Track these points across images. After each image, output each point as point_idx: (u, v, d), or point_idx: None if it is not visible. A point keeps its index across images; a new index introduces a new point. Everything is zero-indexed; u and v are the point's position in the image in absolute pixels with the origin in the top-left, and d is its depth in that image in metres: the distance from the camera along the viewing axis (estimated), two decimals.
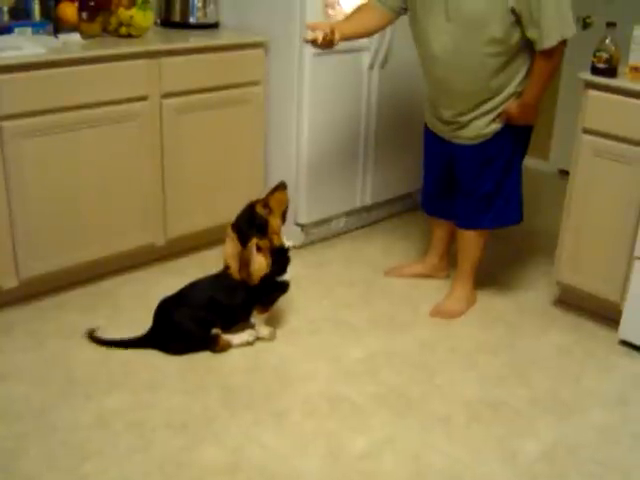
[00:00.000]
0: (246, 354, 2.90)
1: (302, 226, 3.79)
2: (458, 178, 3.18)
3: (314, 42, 2.90)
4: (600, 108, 3.01)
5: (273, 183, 3.71)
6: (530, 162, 5.24)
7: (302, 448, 2.41)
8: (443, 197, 3.33)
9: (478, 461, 2.40)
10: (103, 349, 2.87)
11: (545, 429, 2.57)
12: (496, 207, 3.16)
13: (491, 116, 2.99)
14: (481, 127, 3.01)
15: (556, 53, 2.84)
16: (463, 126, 3.04)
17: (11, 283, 3.06)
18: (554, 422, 2.61)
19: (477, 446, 2.46)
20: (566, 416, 2.64)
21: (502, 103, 2.96)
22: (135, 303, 3.21)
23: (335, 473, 2.31)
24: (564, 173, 4.73)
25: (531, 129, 3.17)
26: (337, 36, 2.89)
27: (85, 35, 3.22)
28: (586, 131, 3.06)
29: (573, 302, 3.35)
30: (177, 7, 3.63)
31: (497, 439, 2.50)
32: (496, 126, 3.01)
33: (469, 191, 3.16)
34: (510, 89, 2.95)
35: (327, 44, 2.91)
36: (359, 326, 3.15)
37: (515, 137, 3.07)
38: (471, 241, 3.26)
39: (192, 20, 3.65)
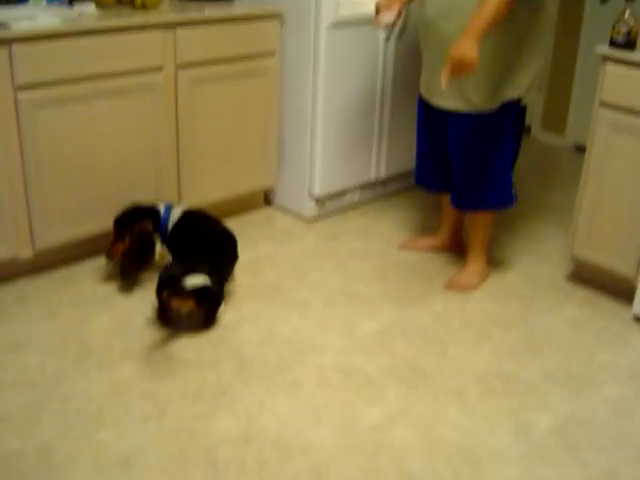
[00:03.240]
0: (259, 326, 2.91)
1: (316, 199, 3.78)
2: (449, 155, 3.16)
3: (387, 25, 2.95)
4: (618, 82, 2.98)
5: (288, 155, 3.73)
6: (546, 137, 5.24)
7: (315, 418, 2.42)
8: (436, 169, 3.31)
9: (490, 434, 2.40)
10: (117, 319, 2.89)
11: (558, 403, 2.56)
12: (486, 189, 3.14)
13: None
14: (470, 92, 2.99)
15: None
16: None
17: (26, 254, 3.07)
18: (567, 396, 2.60)
19: (490, 419, 2.47)
20: (579, 390, 2.64)
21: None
22: (149, 272, 3.22)
23: (348, 443, 2.32)
24: (580, 148, 4.70)
25: (523, 111, 3.14)
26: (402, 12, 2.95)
27: (100, 6, 3.21)
28: (603, 105, 3.03)
29: (587, 277, 3.34)
30: None
31: (510, 412, 2.50)
32: (481, 97, 2.98)
33: (459, 169, 3.15)
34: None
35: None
36: (373, 299, 3.15)
37: (505, 117, 3.03)
38: (478, 217, 3.25)
39: None
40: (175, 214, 3.11)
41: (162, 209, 3.13)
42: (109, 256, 3.11)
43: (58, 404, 2.45)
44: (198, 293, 2.72)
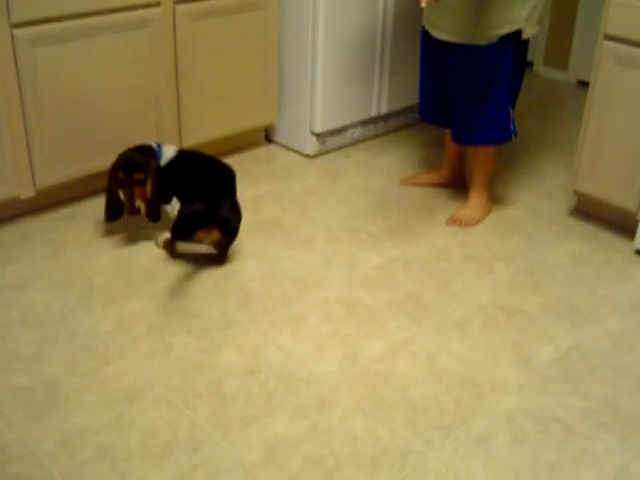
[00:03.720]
0: (263, 261, 2.92)
1: (317, 135, 3.76)
2: (448, 88, 3.14)
3: None
4: (623, 13, 2.93)
5: (288, 91, 3.68)
6: (549, 72, 5.18)
7: (319, 351, 2.45)
8: (438, 103, 3.29)
9: (492, 364, 2.43)
10: (121, 257, 2.90)
11: (559, 335, 2.59)
12: (484, 123, 3.12)
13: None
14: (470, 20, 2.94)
15: None
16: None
17: (28, 193, 3.07)
18: (569, 328, 2.63)
19: (492, 350, 2.49)
20: (581, 323, 2.66)
21: None
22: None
23: (352, 374, 2.35)
24: (583, 84, 4.66)
25: (525, 45, 3.10)
26: None
27: None
28: (608, 37, 2.99)
29: (590, 212, 3.34)
30: None
31: (512, 344, 2.53)
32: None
33: (458, 102, 3.13)
34: None
35: None
36: (375, 234, 3.15)
37: (504, 50, 2.99)
38: (479, 152, 3.24)
39: None
40: (168, 152, 2.98)
41: (154, 146, 3.00)
42: (132, 211, 2.93)
43: (64, 340, 2.47)
44: (223, 225, 2.82)
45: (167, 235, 2.92)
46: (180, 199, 2.87)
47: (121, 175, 2.85)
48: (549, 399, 2.29)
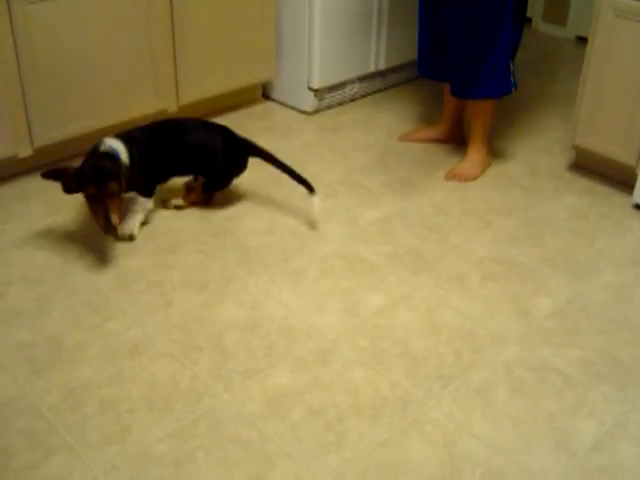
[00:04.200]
0: (262, 217, 2.92)
1: (315, 91, 3.74)
2: (447, 41, 3.12)
3: None
4: None
5: (286, 47, 3.65)
6: (547, 28, 5.14)
7: (319, 305, 2.47)
8: (437, 58, 3.27)
9: (491, 317, 2.44)
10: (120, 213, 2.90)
11: (558, 288, 2.60)
12: (484, 76, 3.10)
13: None
14: None
15: None
16: None
17: (26, 152, 3.06)
18: (567, 281, 2.64)
19: (491, 303, 2.51)
20: (579, 276, 2.67)
21: None
22: None
23: (352, 328, 2.37)
24: (582, 40, 4.63)
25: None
26: None
27: None
28: None
29: (588, 166, 3.34)
30: None
31: (510, 296, 2.54)
32: None
33: (455, 54, 3.11)
34: None
35: None
36: (374, 189, 3.15)
37: (505, 2, 2.97)
38: (478, 106, 3.23)
39: None
40: (118, 146, 2.65)
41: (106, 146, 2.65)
42: (107, 228, 2.65)
43: (65, 297, 2.48)
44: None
45: (179, 201, 2.98)
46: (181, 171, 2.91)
47: (92, 189, 2.50)
48: (548, 350, 2.31)
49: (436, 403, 2.09)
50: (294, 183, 2.83)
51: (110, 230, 2.68)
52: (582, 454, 1.96)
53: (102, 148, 2.62)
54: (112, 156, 2.59)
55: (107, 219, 2.51)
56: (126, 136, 2.72)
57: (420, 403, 2.09)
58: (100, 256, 2.67)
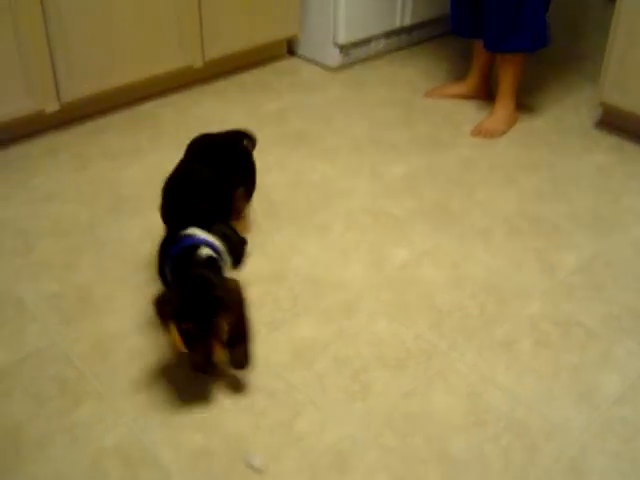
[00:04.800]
0: (287, 172, 2.93)
1: (341, 47, 3.72)
2: None
3: None
4: None
5: (312, 2, 3.60)
6: None
7: (345, 258, 2.48)
8: (470, 15, 3.23)
9: (516, 271, 2.45)
10: (148, 169, 2.92)
11: (583, 243, 2.59)
12: (519, 30, 3.07)
13: None
14: None
15: None
16: None
17: (53, 107, 3.08)
18: (592, 237, 2.63)
19: (516, 258, 2.51)
20: (605, 232, 2.66)
21: None
22: (176, 124, 3.23)
23: (377, 280, 2.39)
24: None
25: None
26: None
27: None
28: None
29: (616, 124, 3.30)
30: None
31: (535, 251, 2.54)
32: None
33: (491, 6, 3.07)
34: None
35: None
36: (400, 145, 3.15)
37: None
38: (509, 61, 3.20)
39: None
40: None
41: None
42: (212, 371, 2.01)
43: (94, 249, 2.51)
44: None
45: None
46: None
47: (190, 328, 1.77)
48: (572, 305, 2.32)
49: (460, 355, 2.11)
50: (320, 138, 2.82)
51: (209, 372, 2.00)
52: (605, 407, 1.97)
53: (199, 254, 1.86)
54: (215, 266, 1.87)
55: (208, 363, 1.93)
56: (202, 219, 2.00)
57: (444, 355, 2.11)
58: (128, 209, 2.70)
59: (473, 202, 2.79)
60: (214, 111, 3.30)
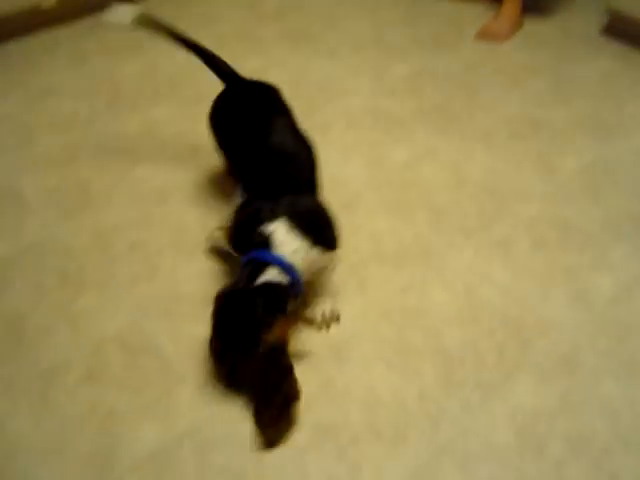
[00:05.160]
0: (287, 70, 2.88)
1: None
2: None
3: None
4: None
5: None
6: None
7: (345, 156, 2.47)
8: None
9: (516, 173, 2.44)
10: (147, 65, 2.88)
11: (584, 148, 2.58)
12: None
13: None
14: None
15: None
16: None
17: (49, 2, 3.02)
18: (593, 142, 2.62)
19: (516, 160, 2.50)
20: (606, 138, 2.65)
21: None
22: (175, 20, 3.16)
23: (377, 179, 2.38)
24: None
25: None
26: None
27: None
28: None
29: (622, 31, 3.24)
30: None
31: (536, 154, 2.53)
32: None
33: None
34: None
35: None
36: (403, 45, 3.10)
37: None
38: None
39: None
40: (293, 251, 1.71)
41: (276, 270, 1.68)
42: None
43: (93, 144, 2.50)
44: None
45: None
46: None
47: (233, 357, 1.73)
48: (570, 208, 2.32)
49: (458, 254, 2.13)
50: (322, 37, 2.78)
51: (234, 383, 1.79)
52: (599, 307, 2.00)
53: (261, 278, 1.66)
54: (271, 296, 1.66)
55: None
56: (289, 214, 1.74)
57: (442, 253, 2.13)
58: (128, 104, 2.67)
59: (475, 105, 2.76)
60: (211, 6, 3.23)
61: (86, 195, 2.30)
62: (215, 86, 2.75)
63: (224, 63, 2.12)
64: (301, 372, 1.79)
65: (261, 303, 1.61)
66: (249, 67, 2.87)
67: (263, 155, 1.85)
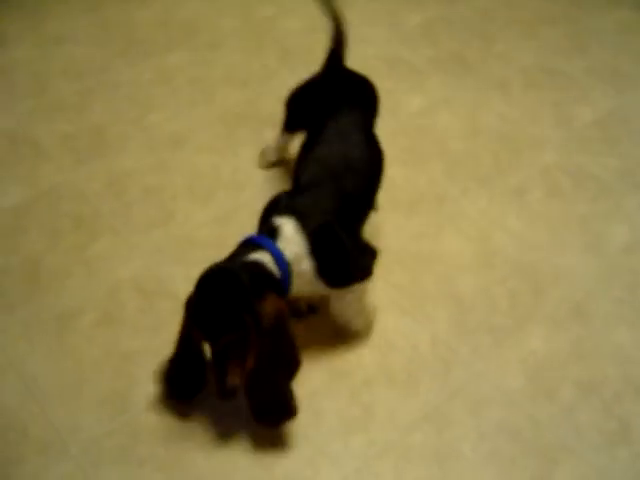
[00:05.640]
0: (301, 16, 2.86)
1: None
2: None
3: None
4: None
5: None
6: None
7: None
8: None
9: (531, 123, 2.43)
10: (161, 11, 2.86)
11: (600, 98, 2.56)
12: None
13: None
14: None
15: None
16: None
17: None
18: (610, 93, 2.59)
19: (532, 109, 2.48)
20: (623, 89, 2.62)
21: None
22: None
23: (392, 126, 2.38)
24: None
25: None
26: None
27: None
28: None
29: None
30: None
31: (552, 104, 2.51)
32: None
33: None
34: None
35: None
36: None
37: None
38: None
39: None
40: (291, 239, 1.57)
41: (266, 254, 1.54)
42: (224, 392, 1.51)
43: (107, 91, 2.50)
44: None
45: None
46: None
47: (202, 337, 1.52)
48: (586, 157, 2.31)
49: (472, 201, 2.13)
50: None
51: (226, 396, 1.52)
52: (613, 255, 2.00)
53: (251, 257, 1.52)
54: (258, 268, 1.51)
55: (224, 383, 1.51)
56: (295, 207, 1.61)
57: (456, 200, 2.13)
58: (142, 51, 2.66)
59: (491, 53, 2.74)
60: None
61: (100, 141, 2.30)
62: (230, 33, 2.75)
63: (341, 47, 2.07)
64: (315, 318, 1.81)
65: (247, 277, 1.45)
66: (261, 14, 2.85)
67: (314, 154, 1.72)
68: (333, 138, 1.74)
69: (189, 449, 1.58)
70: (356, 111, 1.84)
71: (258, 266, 1.49)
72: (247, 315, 1.43)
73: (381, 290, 1.87)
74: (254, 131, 2.33)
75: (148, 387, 1.68)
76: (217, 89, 2.49)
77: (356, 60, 2.63)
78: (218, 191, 2.12)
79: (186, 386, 1.64)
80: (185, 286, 1.86)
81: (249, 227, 2.00)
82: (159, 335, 1.77)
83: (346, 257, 1.59)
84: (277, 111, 2.38)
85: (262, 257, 1.51)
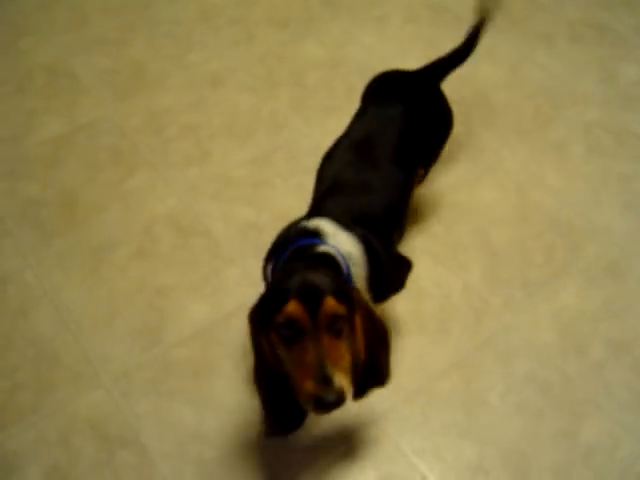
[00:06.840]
0: None
1: None
2: None
3: None
4: None
5: None
6: None
7: (402, 50, 2.43)
8: None
9: (576, 78, 2.38)
10: None
11: None
12: None
13: None
14: None
15: None
16: None
17: None
18: None
19: (576, 64, 2.44)
20: None
21: None
22: None
23: None
24: None
25: None
26: None
27: None
28: None
29: None
30: None
31: (598, 60, 2.46)
32: None
33: None
34: None
35: None
36: None
37: None
38: None
39: None
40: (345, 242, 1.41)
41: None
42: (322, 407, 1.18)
43: (148, 27, 2.48)
44: None
45: None
46: None
47: (299, 311, 1.22)
48: (629, 116, 2.27)
49: (512, 153, 2.10)
50: None
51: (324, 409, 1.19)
52: None
53: (315, 249, 1.35)
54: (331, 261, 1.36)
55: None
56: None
57: (495, 152, 2.10)
58: None
59: (536, 5, 2.68)
60: None
61: (140, 77, 2.29)
62: None
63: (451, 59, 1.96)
64: None
65: (330, 272, 1.29)
66: None
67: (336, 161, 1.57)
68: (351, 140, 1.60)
69: (219, 385, 1.60)
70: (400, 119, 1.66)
71: (331, 260, 1.34)
72: (354, 290, 1.29)
73: (416, 239, 1.86)
74: (293, 73, 2.31)
75: (180, 323, 1.70)
76: (258, 29, 2.47)
77: (398, 4, 2.61)
78: (256, 132, 2.12)
79: (286, 414, 1.33)
80: (219, 224, 1.88)
81: (285, 169, 2.02)
82: (192, 271, 1.79)
83: (388, 271, 1.45)
84: (316, 54, 2.38)
85: (329, 250, 1.35)
